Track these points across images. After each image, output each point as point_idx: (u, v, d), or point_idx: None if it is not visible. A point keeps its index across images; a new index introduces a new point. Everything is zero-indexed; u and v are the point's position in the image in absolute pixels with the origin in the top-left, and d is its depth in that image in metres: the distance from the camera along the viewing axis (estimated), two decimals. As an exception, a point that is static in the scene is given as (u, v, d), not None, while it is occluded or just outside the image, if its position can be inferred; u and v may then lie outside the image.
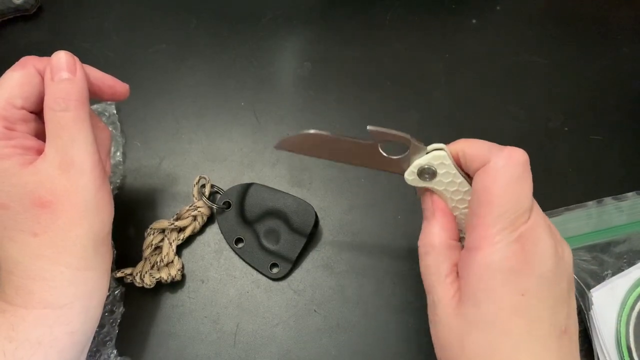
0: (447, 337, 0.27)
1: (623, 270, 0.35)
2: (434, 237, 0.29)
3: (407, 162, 0.30)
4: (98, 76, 0.32)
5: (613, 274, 0.35)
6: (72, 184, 0.28)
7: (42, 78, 0.29)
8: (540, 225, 0.26)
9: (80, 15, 0.49)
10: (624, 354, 0.32)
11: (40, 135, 0.30)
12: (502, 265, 0.25)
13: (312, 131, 0.30)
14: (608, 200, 0.38)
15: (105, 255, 0.30)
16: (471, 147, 0.28)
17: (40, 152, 0.28)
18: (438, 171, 0.29)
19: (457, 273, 0.28)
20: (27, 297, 0.27)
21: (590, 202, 0.38)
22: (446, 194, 0.30)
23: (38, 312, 0.27)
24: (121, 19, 0.49)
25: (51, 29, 0.48)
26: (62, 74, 0.29)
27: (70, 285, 0.28)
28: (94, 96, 0.32)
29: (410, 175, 0.30)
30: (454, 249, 0.29)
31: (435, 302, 0.28)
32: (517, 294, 0.25)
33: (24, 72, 0.29)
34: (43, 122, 0.29)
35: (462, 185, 0.29)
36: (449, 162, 0.29)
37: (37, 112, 0.30)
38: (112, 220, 0.31)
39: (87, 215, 0.28)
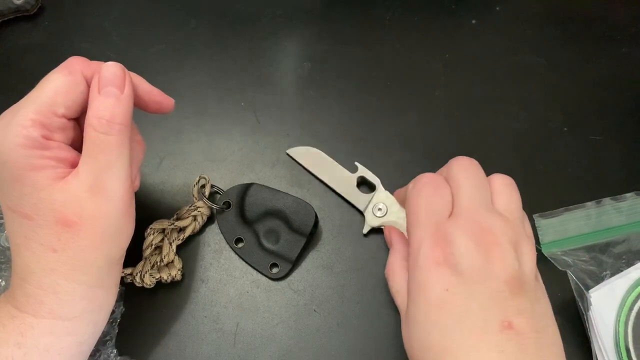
0: (405, 340, 0.30)
1: (622, 270, 0.35)
2: (392, 262, 0.34)
3: (369, 202, 0.39)
4: (146, 89, 0.31)
5: (612, 275, 0.35)
6: (99, 208, 0.27)
7: (88, 85, 0.28)
8: (457, 229, 0.28)
9: (80, 15, 0.49)
10: (623, 355, 0.32)
11: (75, 143, 0.29)
12: (424, 263, 0.28)
13: (314, 149, 0.42)
14: (607, 200, 0.38)
15: (116, 273, 0.31)
16: (402, 191, 0.36)
17: (73, 164, 0.28)
18: (389, 209, 0.38)
19: None
20: (37, 307, 0.27)
21: (589, 203, 0.38)
22: (401, 222, 0.37)
23: (47, 322, 0.27)
24: (121, 19, 0.49)
25: (51, 29, 0.48)
26: (110, 88, 0.27)
27: (81, 301, 0.28)
28: (138, 107, 0.31)
29: (369, 214, 0.39)
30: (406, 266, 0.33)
31: (401, 314, 0.32)
32: (442, 289, 0.27)
33: (71, 78, 0.27)
34: (80, 129, 0.28)
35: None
36: (392, 198, 0.39)
37: (76, 119, 0.29)
38: (129, 242, 0.30)
39: (108, 240, 0.28)
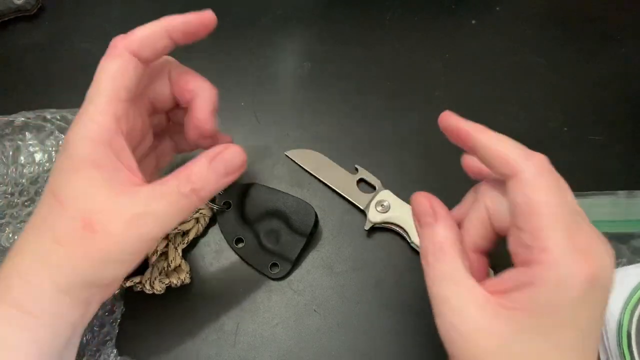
0: (482, 342, 0.24)
1: (638, 262, 0.35)
2: (444, 240, 0.26)
3: (369, 201, 0.39)
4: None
5: (627, 264, 0.35)
6: (126, 235, 0.26)
7: (138, 59, 0.28)
8: (594, 238, 0.24)
9: (80, 15, 0.49)
10: (623, 339, 0.32)
11: (134, 129, 0.30)
12: (572, 280, 0.23)
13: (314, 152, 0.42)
14: (638, 193, 0.38)
15: (91, 295, 0.28)
16: (495, 146, 0.27)
17: (131, 170, 0.27)
18: (392, 205, 0.38)
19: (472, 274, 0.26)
20: (5, 291, 0.27)
21: (621, 192, 0.38)
22: (406, 217, 0.37)
23: (9, 311, 0.26)
24: (121, 19, 0.49)
25: (51, 29, 0.48)
26: (221, 168, 0.28)
27: (47, 301, 0.27)
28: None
29: (371, 210, 0.39)
30: (462, 250, 0.27)
31: (456, 308, 0.25)
32: (580, 305, 0.23)
33: (120, 60, 0.28)
34: (138, 115, 0.29)
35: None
36: (393, 196, 0.39)
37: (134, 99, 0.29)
38: (121, 279, 0.29)
39: (109, 263, 0.27)
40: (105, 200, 0.26)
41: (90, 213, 0.26)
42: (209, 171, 0.27)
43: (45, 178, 0.39)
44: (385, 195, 0.39)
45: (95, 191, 0.26)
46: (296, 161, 0.42)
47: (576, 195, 0.37)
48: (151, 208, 0.26)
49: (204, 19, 0.31)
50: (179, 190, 0.27)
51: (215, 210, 0.39)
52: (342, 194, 0.40)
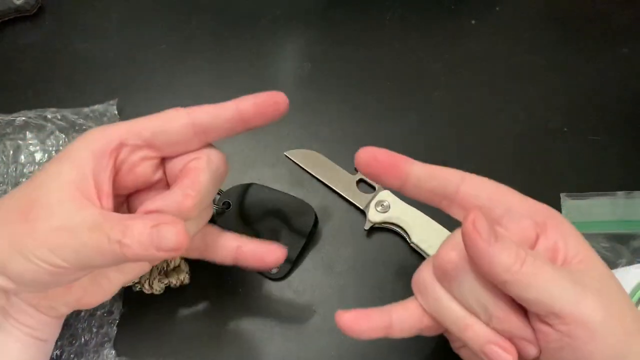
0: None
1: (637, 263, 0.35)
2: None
3: (369, 201, 0.39)
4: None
5: (627, 264, 0.35)
6: (42, 241, 0.24)
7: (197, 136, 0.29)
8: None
9: (80, 15, 0.49)
10: None
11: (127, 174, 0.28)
12: None
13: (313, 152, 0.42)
14: (637, 193, 0.38)
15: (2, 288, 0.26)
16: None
17: (101, 194, 0.26)
18: (392, 205, 0.38)
19: None
20: None
21: (619, 192, 0.38)
22: (405, 218, 0.37)
23: None
24: (121, 19, 0.49)
25: (51, 29, 0.48)
26: (155, 239, 0.24)
27: None
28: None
29: (371, 210, 0.38)
30: None
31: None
32: None
33: (174, 114, 0.29)
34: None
35: (415, 214, 0.38)
36: (393, 196, 0.38)
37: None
38: (26, 290, 0.26)
39: (13, 255, 0.24)
40: (56, 197, 0.25)
41: (37, 201, 0.25)
42: (145, 235, 0.24)
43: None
44: (385, 196, 0.39)
45: (56, 185, 0.25)
46: (296, 161, 0.42)
47: (576, 196, 0.37)
48: (73, 233, 0.24)
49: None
50: (108, 235, 0.24)
51: (215, 211, 0.39)
52: (342, 194, 0.40)
